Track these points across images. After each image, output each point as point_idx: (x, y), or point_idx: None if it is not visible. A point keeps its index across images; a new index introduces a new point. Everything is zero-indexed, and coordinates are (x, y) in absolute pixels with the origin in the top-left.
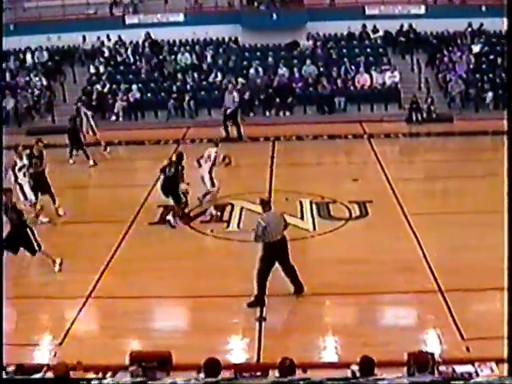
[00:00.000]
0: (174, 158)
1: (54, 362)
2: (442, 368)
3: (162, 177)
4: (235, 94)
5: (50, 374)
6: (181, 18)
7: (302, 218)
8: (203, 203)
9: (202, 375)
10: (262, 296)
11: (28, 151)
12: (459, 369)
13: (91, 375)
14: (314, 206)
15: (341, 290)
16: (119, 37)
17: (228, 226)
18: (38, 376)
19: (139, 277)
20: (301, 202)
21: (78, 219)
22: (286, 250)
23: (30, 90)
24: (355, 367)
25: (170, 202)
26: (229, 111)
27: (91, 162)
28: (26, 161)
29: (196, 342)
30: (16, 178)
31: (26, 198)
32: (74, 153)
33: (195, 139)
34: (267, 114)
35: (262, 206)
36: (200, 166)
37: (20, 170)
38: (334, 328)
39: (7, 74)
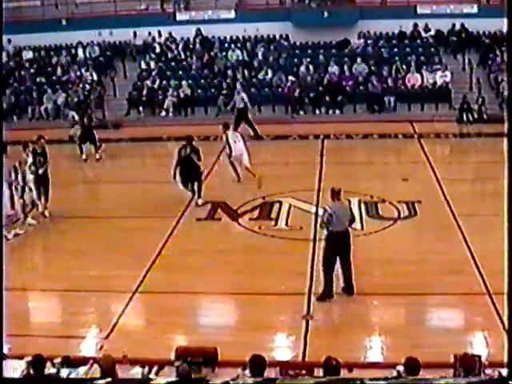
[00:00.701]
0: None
1: (100, 355)
2: (489, 371)
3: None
4: (243, 94)
5: (96, 367)
6: (232, 14)
7: None
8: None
9: (247, 372)
10: (331, 289)
11: (31, 148)
12: (506, 372)
13: (137, 369)
14: (363, 205)
15: (388, 291)
16: (170, 33)
17: (276, 223)
18: (84, 369)
19: (186, 272)
20: (349, 201)
21: (125, 214)
22: (348, 243)
23: (81, 85)
24: (401, 368)
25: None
26: (237, 109)
27: (84, 157)
28: (31, 158)
29: (242, 338)
30: (24, 176)
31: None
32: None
33: (244, 136)
34: (317, 112)
35: (331, 195)
36: (230, 157)
37: (29, 167)
38: (380, 328)
39: (58, 69)
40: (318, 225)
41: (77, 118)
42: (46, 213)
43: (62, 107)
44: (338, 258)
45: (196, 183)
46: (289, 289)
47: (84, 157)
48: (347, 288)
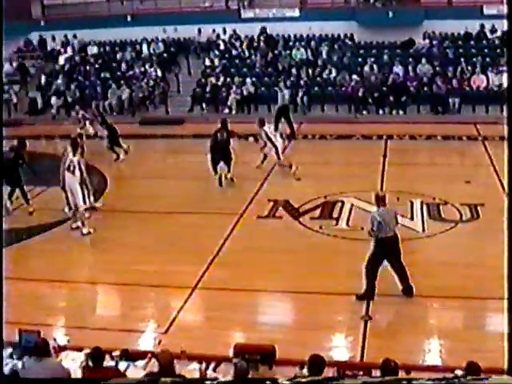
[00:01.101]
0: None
1: (158, 350)
2: None
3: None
4: (286, 91)
5: (154, 361)
6: (296, 13)
7: (411, 218)
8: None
9: (305, 371)
10: (372, 291)
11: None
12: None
13: (195, 365)
14: (425, 207)
15: (448, 293)
16: (234, 30)
17: (337, 223)
18: (142, 362)
19: (246, 270)
20: (411, 202)
21: (187, 210)
22: (397, 247)
23: (145, 81)
24: (459, 372)
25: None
26: (277, 107)
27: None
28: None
29: (300, 337)
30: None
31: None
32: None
33: (307, 135)
34: (380, 112)
35: (376, 201)
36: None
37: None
38: (440, 331)
39: (123, 65)
40: (367, 233)
41: (87, 115)
42: (98, 204)
43: (126, 102)
44: (388, 262)
45: (226, 163)
46: (348, 289)
47: (122, 157)
48: (406, 290)
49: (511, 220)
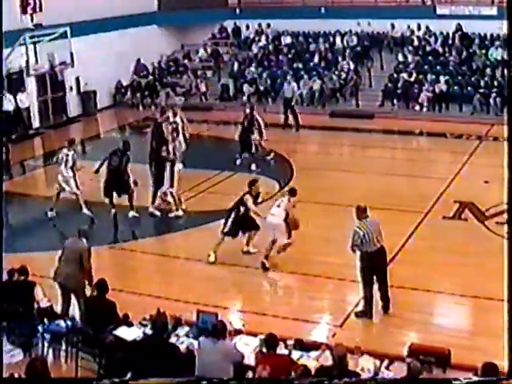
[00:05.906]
0: None
1: (331, 343)
2: None
3: None
4: (294, 84)
5: (327, 354)
6: (494, 11)
7: None
8: None
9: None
10: (370, 308)
11: None
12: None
13: (369, 360)
14: None
15: None
16: (427, 27)
17: None
18: (315, 354)
19: (426, 269)
20: None
21: (372, 204)
22: (384, 260)
23: (336, 73)
24: None
25: None
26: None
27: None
28: None
29: (476, 343)
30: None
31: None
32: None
33: (498, 137)
34: None
35: (357, 213)
36: None
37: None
38: None
39: (315, 56)
40: (349, 248)
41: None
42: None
43: (317, 94)
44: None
45: None
46: None
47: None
48: (384, 305)
49: (511, 220)
